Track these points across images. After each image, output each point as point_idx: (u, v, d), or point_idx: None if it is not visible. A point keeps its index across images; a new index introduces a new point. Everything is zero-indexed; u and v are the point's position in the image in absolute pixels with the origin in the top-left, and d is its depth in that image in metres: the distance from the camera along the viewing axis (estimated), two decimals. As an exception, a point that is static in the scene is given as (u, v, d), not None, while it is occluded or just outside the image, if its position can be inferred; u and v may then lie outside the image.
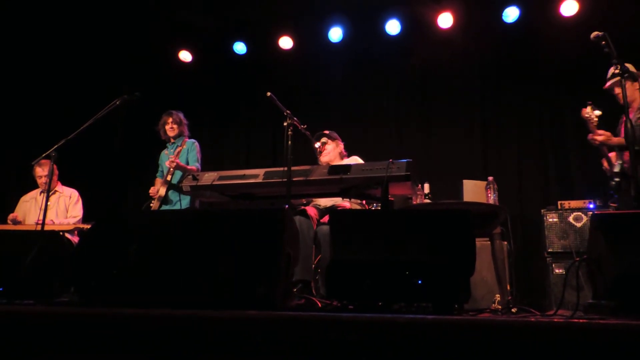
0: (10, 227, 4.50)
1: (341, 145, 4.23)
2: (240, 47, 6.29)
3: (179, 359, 1.60)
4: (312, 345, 1.53)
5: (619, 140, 3.60)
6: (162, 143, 4.94)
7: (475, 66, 5.79)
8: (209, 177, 3.40)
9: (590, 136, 3.67)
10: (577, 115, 5.26)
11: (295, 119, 3.38)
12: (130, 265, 2.12)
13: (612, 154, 3.72)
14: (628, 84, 3.30)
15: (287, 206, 2.34)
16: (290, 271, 2.15)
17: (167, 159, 4.74)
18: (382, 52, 6.04)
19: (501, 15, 5.52)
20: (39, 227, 3.71)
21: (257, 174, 3.29)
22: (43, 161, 4.24)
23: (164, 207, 4.58)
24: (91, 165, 6.01)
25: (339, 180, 3.12)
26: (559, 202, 4.53)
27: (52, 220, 4.56)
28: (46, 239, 2.62)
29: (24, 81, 5.83)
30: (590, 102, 3.59)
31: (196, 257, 2.08)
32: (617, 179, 3.55)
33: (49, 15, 5.68)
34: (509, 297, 3.31)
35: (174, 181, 4.50)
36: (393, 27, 5.81)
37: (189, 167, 4.51)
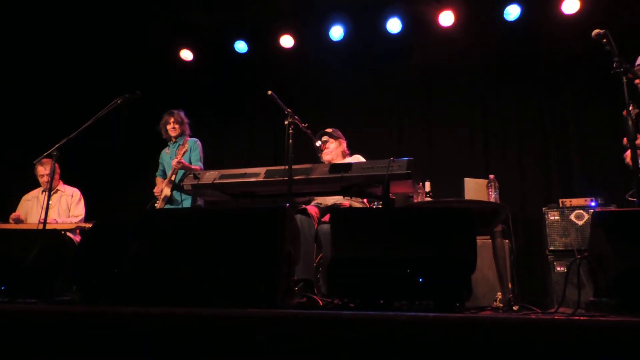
0: (12, 226, 4.51)
1: (344, 144, 4.23)
2: (241, 46, 6.29)
3: (180, 357, 1.60)
4: (313, 343, 1.54)
5: None
6: (163, 141, 4.95)
7: (477, 64, 5.78)
8: (210, 176, 3.40)
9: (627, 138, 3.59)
10: (578, 112, 5.32)
11: (296, 117, 3.38)
12: (131, 263, 2.13)
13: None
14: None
15: (288, 205, 2.34)
16: (291, 270, 2.16)
17: (169, 158, 4.74)
18: (383, 51, 6.04)
19: (502, 14, 5.52)
20: (41, 226, 3.72)
21: (258, 173, 3.30)
22: (45, 160, 4.25)
23: (168, 207, 4.59)
24: (92, 164, 6.02)
25: (340, 179, 3.12)
26: (560, 200, 4.53)
27: (54, 219, 4.57)
28: (48, 238, 2.63)
29: (26, 80, 5.84)
30: (631, 101, 3.53)
31: (197, 255, 2.09)
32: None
33: (50, 14, 5.68)
34: (510, 295, 3.31)
35: (178, 181, 4.50)
36: (394, 25, 5.81)
37: (192, 166, 4.50)
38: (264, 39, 6.21)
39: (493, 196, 3.69)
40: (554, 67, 5.52)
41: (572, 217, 4.38)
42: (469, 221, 2.16)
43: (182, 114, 4.87)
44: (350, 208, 3.79)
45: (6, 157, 5.62)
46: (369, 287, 2.07)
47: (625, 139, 3.65)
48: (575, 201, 4.46)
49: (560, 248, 4.36)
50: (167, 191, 4.56)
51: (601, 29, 2.95)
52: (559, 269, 4.32)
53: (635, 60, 3.63)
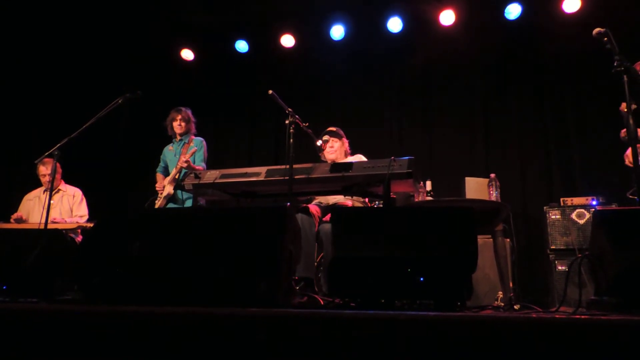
0: (13, 225, 4.52)
1: (346, 144, 4.23)
2: (242, 45, 6.30)
3: (180, 356, 1.60)
4: (314, 342, 1.54)
5: None
6: (164, 140, 4.94)
7: (478, 63, 5.77)
8: (211, 176, 3.41)
9: (623, 132, 3.58)
10: (579, 111, 5.31)
11: (297, 116, 3.38)
12: (132, 263, 2.13)
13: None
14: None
15: (289, 204, 2.34)
16: (292, 269, 2.16)
17: (172, 155, 4.72)
18: (384, 50, 6.03)
19: (503, 12, 5.51)
20: (42, 226, 3.72)
21: (259, 172, 3.30)
22: (46, 159, 4.25)
23: (171, 205, 4.57)
24: (94, 164, 6.02)
25: (341, 178, 3.12)
26: (562, 199, 4.52)
27: (59, 218, 4.59)
28: (49, 238, 2.63)
29: (28, 80, 5.85)
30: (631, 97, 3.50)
31: (198, 255, 2.09)
32: None
33: (51, 14, 5.68)
34: (512, 294, 3.31)
35: (180, 179, 4.49)
36: (395, 24, 5.80)
37: (196, 167, 4.48)
38: (265, 39, 6.21)
39: (494, 195, 3.69)
40: (554, 66, 5.51)
41: (573, 216, 4.38)
42: (470, 220, 2.16)
43: (189, 111, 4.84)
44: (351, 207, 3.79)
45: (7, 157, 5.63)
46: (370, 287, 2.08)
47: (623, 132, 3.64)
48: (577, 200, 4.45)
49: (562, 247, 4.36)
50: (169, 189, 4.55)
51: (602, 28, 2.94)
52: (560, 268, 4.32)
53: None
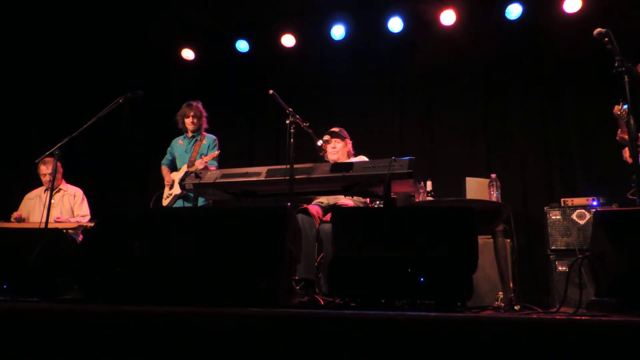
0: (14, 225, 4.52)
1: (350, 144, 4.22)
2: (242, 45, 6.30)
3: (181, 356, 1.60)
4: (314, 342, 1.54)
5: None
6: (164, 140, 4.93)
7: (478, 63, 5.77)
8: (212, 175, 3.41)
9: (619, 133, 3.58)
10: (580, 112, 5.31)
11: (297, 116, 3.38)
12: (133, 262, 2.13)
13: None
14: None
15: (289, 204, 2.34)
16: (292, 269, 2.16)
17: (182, 150, 4.71)
18: (384, 50, 6.03)
19: (504, 12, 5.51)
20: (48, 225, 3.72)
21: (259, 172, 3.30)
22: (47, 159, 4.26)
23: (178, 204, 4.54)
24: (95, 163, 6.03)
25: (341, 178, 3.12)
26: (562, 200, 4.52)
27: (63, 217, 4.59)
28: (50, 237, 2.64)
29: (29, 79, 5.85)
30: (621, 99, 3.49)
31: (199, 254, 2.09)
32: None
33: (53, 13, 5.69)
34: (512, 295, 3.31)
35: None
36: (395, 24, 5.81)
37: (210, 168, 4.44)
38: (266, 38, 6.22)
39: (495, 195, 3.69)
40: (555, 66, 5.50)
41: (574, 216, 4.38)
42: (470, 220, 2.16)
43: (200, 105, 4.79)
44: (352, 207, 3.79)
45: (9, 156, 5.63)
46: (370, 287, 2.08)
47: (619, 132, 3.62)
48: (577, 200, 4.45)
49: (562, 247, 4.36)
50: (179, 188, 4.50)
51: (603, 28, 2.94)
52: (560, 268, 4.32)
53: None
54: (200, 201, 4.45)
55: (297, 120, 3.38)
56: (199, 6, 5.87)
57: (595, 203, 4.37)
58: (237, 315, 1.63)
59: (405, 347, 1.49)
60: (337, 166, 3.19)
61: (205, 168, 4.35)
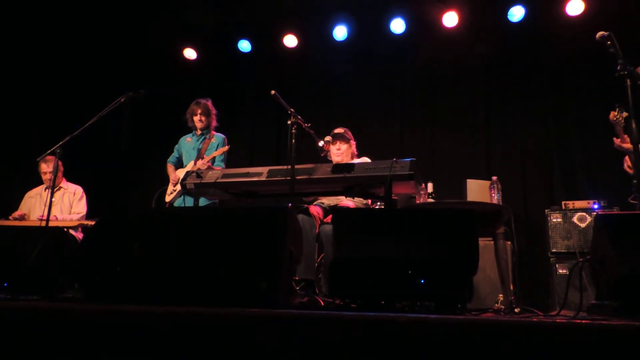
0: (15, 223, 4.52)
1: (354, 146, 4.20)
2: (245, 45, 6.31)
3: (181, 355, 1.60)
4: (314, 343, 1.54)
5: None
6: (165, 139, 4.93)
7: (480, 65, 5.77)
8: (213, 175, 3.41)
9: (616, 141, 3.55)
10: (582, 115, 5.30)
11: (299, 117, 3.38)
12: (134, 261, 2.13)
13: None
14: None
15: (290, 204, 2.34)
16: (292, 269, 2.16)
17: (190, 147, 4.69)
18: (386, 51, 6.03)
19: (506, 15, 5.51)
20: (43, 223, 3.72)
21: (260, 172, 3.30)
22: (48, 157, 4.27)
23: (182, 199, 4.49)
24: (96, 162, 6.03)
25: (342, 179, 3.12)
26: (563, 202, 4.52)
27: (55, 216, 4.58)
28: (51, 235, 2.64)
29: (29, 78, 5.85)
30: (617, 105, 3.46)
31: (199, 254, 2.09)
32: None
33: (54, 12, 5.69)
34: (512, 297, 3.30)
35: None
36: (398, 25, 5.81)
37: (215, 168, 4.42)
38: (268, 39, 6.22)
39: (495, 198, 3.69)
40: (557, 69, 5.50)
41: (575, 219, 4.37)
42: (471, 222, 2.16)
43: (209, 103, 4.75)
44: (353, 208, 3.79)
45: (10, 155, 5.64)
46: (370, 288, 2.07)
47: (616, 141, 3.60)
48: (578, 203, 4.45)
49: (563, 250, 4.35)
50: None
51: (605, 31, 2.94)
52: (561, 271, 4.31)
53: None
54: (204, 200, 4.44)
55: (299, 121, 3.38)
56: (202, 6, 5.88)
57: (596, 206, 4.36)
58: (237, 315, 1.63)
59: (406, 349, 1.49)
60: (338, 167, 3.19)
61: (209, 167, 4.33)
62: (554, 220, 4.43)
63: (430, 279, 2.03)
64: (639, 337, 1.38)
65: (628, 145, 3.41)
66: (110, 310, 1.72)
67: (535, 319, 1.62)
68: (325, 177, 3.15)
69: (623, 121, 3.41)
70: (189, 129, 4.82)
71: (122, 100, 3.71)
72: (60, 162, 3.98)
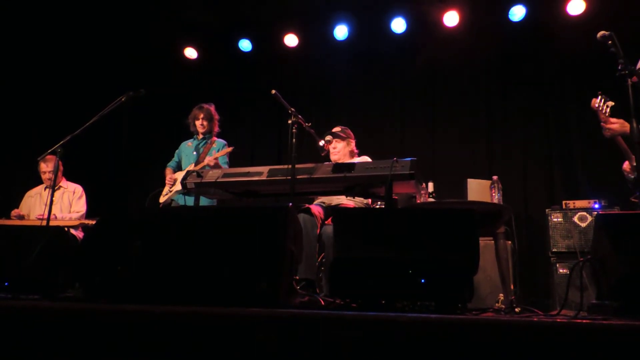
0: (15, 222, 4.53)
1: (353, 144, 4.18)
2: (245, 45, 6.31)
3: (181, 355, 1.60)
4: (314, 343, 1.54)
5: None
6: (166, 138, 4.93)
7: (481, 65, 5.77)
8: (213, 175, 3.41)
9: (603, 126, 3.49)
10: (583, 114, 5.29)
11: (299, 116, 3.38)
12: (134, 261, 2.13)
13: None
14: None
15: (290, 204, 2.34)
16: (293, 269, 2.16)
17: (190, 151, 4.69)
18: (387, 51, 6.03)
19: (507, 14, 5.50)
20: (44, 223, 3.73)
21: (261, 172, 3.30)
22: (48, 157, 4.27)
23: (179, 199, 4.49)
24: (96, 161, 6.03)
25: (343, 179, 3.11)
26: (564, 202, 4.52)
27: (54, 214, 4.58)
28: (51, 235, 2.64)
29: (30, 78, 5.86)
30: (600, 92, 3.42)
31: (200, 253, 2.09)
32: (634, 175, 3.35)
33: (55, 12, 5.70)
34: (513, 297, 3.30)
35: None
36: (398, 25, 5.80)
37: (223, 168, 4.41)
38: (269, 38, 6.22)
39: (496, 197, 3.69)
40: (558, 68, 5.50)
41: (575, 219, 4.37)
42: (471, 222, 2.16)
43: (211, 108, 4.75)
44: (353, 208, 3.79)
45: (10, 154, 5.64)
46: (371, 288, 2.07)
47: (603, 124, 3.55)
48: (579, 203, 4.45)
49: (563, 250, 4.35)
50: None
51: (607, 31, 2.94)
52: (561, 271, 4.31)
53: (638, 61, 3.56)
54: (206, 200, 4.42)
55: (299, 120, 3.38)
56: (203, 5, 5.88)
57: (596, 206, 4.36)
58: (237, 314, 1.63)
59: (406, 349, 1.49)
60: (339, 167, 3.18)
61: (216, 165, 4.33)
62: (555, 219, 4.43)
63: (430, 279, 2.03)
64: (639, 337, 1.38)
65: (615, 125, 3.30)
66: (110, 310, 1.72)
67: (535, 319, 1.62)
68: (326, 176, 3.15)
69: (608, 109, 3.33)
70: (190, 133, 4.82)
71: (122, 99, 3.71)
72: (60, 162, 3.98)
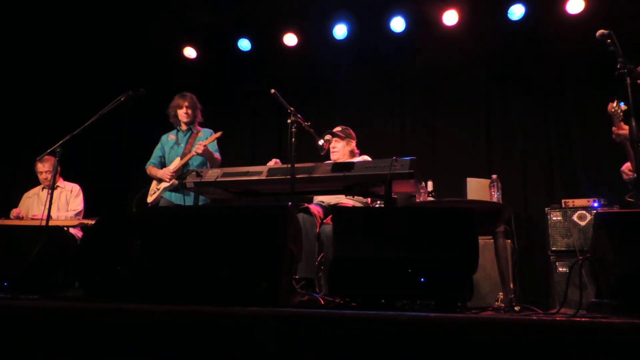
0: (15, 222, 4.53)
1: (353, 143, 4.16)
2: (244, 44, 6.30)
3: (181, 354, 1.61)
4: (314, 342, 1.54)
5: None
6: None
7: (480, 64, 5.77)
8: (213, 174, 3.41)
9: (614, 130, 3.53)
10: (582, 113, 5.30)
11: (299, 116, 3.38)
12: (134, 260, 2.13)
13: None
14: None
15: (290, 203, 2.34)
16: (293, 268, 2.16)
17: (173, 143, 4.48)
18: (386, 50, 6.03)
19: (507, 13, 5.50)
20: (42, 222, 3.73)
21: (260, 171, 3.30)
22: (45, 157, 4.27)
23: (172, 195, 4.39)
24: (95, 161, 6.03)
25: (342, 178, 3.12)
26: (563, 201, 4.52)
27: (37, 215, 4.59)
28: (51, 235, 2.64)
29: (30, 78, 5.86)
30: (616, 97, 3.46)
31: (199, 253, 2.09)
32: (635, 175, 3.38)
33: (55, 12, 5.69)
34: (512, 295, 3.31)
35: (193, 167, 4.17)
36: (398, 24, 5.80)
37: (215, 155, 4.29)
38: (268, 37, 6.22)
39: (495, 196, 3.69)
40: (557, 67, 5.50)
41: (575, 217, 4.38)
42: (471, 221, 2.16)
43: (194, 97, 4.54)
44: (353, 207, 3.79)
45: (9, 154, 5.64)
46: (370, 287, 2.08)
47: (614, 130, 3.58)
48: (578, 202, 4.45)
49: (563, 249, 4.36)
50: (174, 180, 4.27)
51: (606, 29, 2.94)
52: (561, 269, 4.32)
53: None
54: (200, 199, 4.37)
55: (299, 120, 3.38)
56: (202, 5, 5.88)
57: (596, 204, 4.36)
58: (237, 314, 1.63)
59: (406, 348, 1.49)
60: (338, 166, 3.19)
61: (206, 152, 4.17)
62: (554, 218, 4.43)
63: (430, 278, 2.03)
64: (638, 335, 1.38)
65: (625, 132, 3.38)
66: (110, 310, 1.72)
67: (535, 317, 1.62)
68: (325, 175, 3.15)
69: (622, 114, 3.39)
70: (170, 125, 4.58)
71: (122, 99, 3.70)
72: (57, 162, 3.97)
